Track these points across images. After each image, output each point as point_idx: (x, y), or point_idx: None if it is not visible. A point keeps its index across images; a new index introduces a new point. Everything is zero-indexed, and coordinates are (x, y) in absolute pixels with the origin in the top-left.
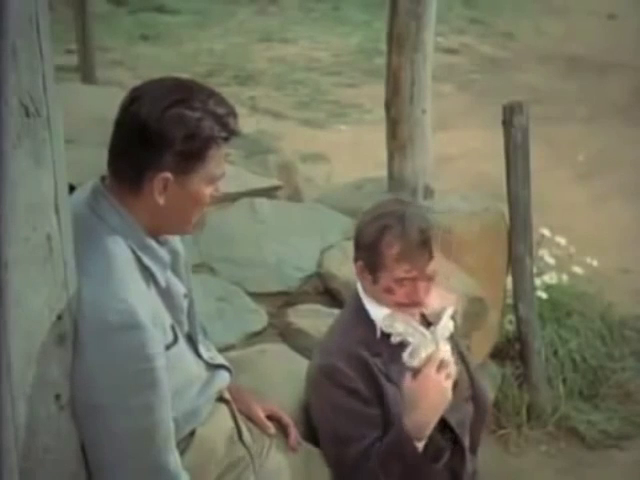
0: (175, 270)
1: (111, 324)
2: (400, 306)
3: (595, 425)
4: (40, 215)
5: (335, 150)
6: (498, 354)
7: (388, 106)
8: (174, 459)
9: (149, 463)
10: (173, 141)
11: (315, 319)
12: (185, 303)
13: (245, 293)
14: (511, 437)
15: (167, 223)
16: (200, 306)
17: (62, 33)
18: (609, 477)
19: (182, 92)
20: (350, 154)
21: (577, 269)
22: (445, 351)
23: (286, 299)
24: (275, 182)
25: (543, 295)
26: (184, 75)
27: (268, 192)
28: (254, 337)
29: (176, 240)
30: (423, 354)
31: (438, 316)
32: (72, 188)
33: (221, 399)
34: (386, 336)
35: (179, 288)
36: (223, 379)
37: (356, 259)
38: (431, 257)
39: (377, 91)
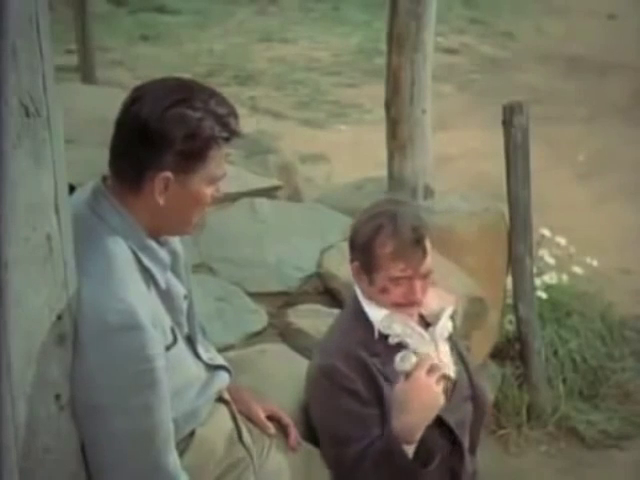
0: (175, 271)
1: (111, 324)
2: (397, 306)
3: (595, 425)
4: (40, 215)
5: (335, 150)
6: (498, 354)
7: (388, 106)
8: (173, 460)
9: (148, 463)
10: (174, 141)
11: (315, 319)
12: (185, 304)
13: (245, 293)
14: (511, 437)
15: (167, 223)
16: (200, 306)
17: (62, 33)
18: (609, 477)
19: (183, 92)
20: (350, 154)
21: (577, 269)
22: (444, 352)
23: (286, 299)
24: (275, 182)
25: (543, 295)
26: (184, 75)
27: (268, 192)
28: (254, 337)
29: (176, 241)
30: (414, 358)
31: (437, 317)
32: (72, 188)
33: (221, 400)
34: (384, 337)
35: (179, 289)
36: (222, 380)
37: (352, 260)
38: (425, 255)
39: (377, 91)
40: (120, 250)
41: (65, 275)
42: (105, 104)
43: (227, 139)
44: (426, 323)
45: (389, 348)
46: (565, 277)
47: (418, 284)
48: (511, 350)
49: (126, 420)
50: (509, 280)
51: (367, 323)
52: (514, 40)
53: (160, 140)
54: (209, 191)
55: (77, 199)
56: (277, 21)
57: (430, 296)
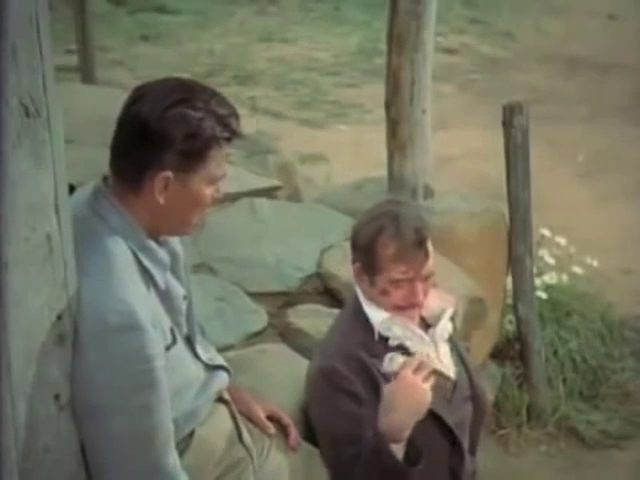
0: (174, 272)
1: (111, 325)
2: (398, 309)
3: (595, 425)
4: (40, 215)
5: (335, 150)
6: (498, 354)
7: (388, 106)
8: (173, 460)
9: (148, 464)
10: (174, 140)
11: (315, 319)
12: (184, 305)
13: (245, 293)
14: (511, 437)
15: (167, 223)
16: (200, 306)
17: (62, 33)
18: (609, 477)
19: (184, 92)
20: (350, 154)
21: (577, 269)
22: (444, 353)
23: (286, 299)
24: (275, 182)
25: (543, 295)
26: (184, 75)
27: (268, 192)
28: (254, 337)
29: (175, 241)
30: (400, 359)
31: (437, 318)
32: (72, 188)
33: (220, 400)
34: (384, 338)
35: (178, 290)
36: (222, 380)
37: (353, 261)
38: (427, 257)
39: (377, 91)
40: (120, 250)
41: (65, 275)
42: (105, 104)
43: (228, 139)
44: (426, 324)
45: (389, 350)
46: (565, 277)
47: (419, 286)
48: (511, 350)
49: (126, 420)
50: (509, 280)
51: (367, 324)
52: (514, 40)
53: (160, 139)
54: (209, 191)
55: (77, 199)
56: (277, 21)
57: (430, 297)
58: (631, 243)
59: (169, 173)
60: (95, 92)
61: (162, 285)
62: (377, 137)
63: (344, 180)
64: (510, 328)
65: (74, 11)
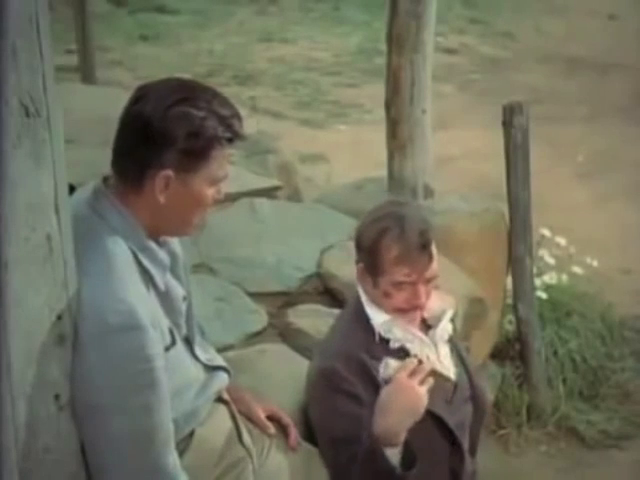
0: (174, 272)
1: (111, 325)
2: (400, 311)
3: (595, 425)
4: (40, 215)
5: (335, 150)
6: (498, 354)
7: (388, 106)
8: (173, 460)
9: (148, 464)
10: (176, 139)
11: (315, 319)
12: (184, 306)
13: (245, 293)
14: (511, 437)
15: (167, 223)
16: (200, 306)
17: (62, 33)
18: (609, 477)
19: (186, 91)
20: (350, 154)
21: (577, 269)
22: (444, 354)
23: (286, 299)
24: (275, 182)
25: (543, 295)
26: (184, 75)
27: (268, 192)
28: (254, 337)
29: (175, 242)
30: (395, 363)
31: (437, 319)
32: (72, 188)
33: (220, 400)
34: (385, 340)
35: (178, 291)
36: (221, 380)
37: (357, 261)
38: (431, 260)
39: (377, 91)
40: (120, 250)
41: (65, 275)
42: (105, 104)
43: (230, 140)
44: (426, 325)
45: (390, 352)
46: (565, 277)
47: (422, 289)
48: (511, 350)
49: (126, 420)
50: (509, 280)
51: (368, 325)
52: (514, 40)
53: (162, 138)
54: (210, 192)
55: (78, 199)
56: (277, 21)
57: (431, 298)
58: (631, 243)
59: (170, 172)
60: (95, 92)
61: (161, 286)
62: (377, 137)
63: (344, 180)
64: (510, 328)
65: (74, 11)
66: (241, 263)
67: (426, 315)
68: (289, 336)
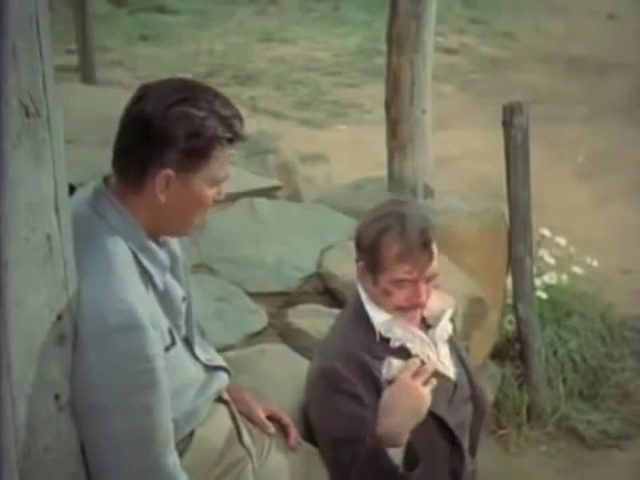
0: (174, 273)
1: (111, 324)
2: (400, 309)
3: (595, 425)
4: (40, 215)
5: (335, 150)
6: (498, 354)
7: (388, 106)
8: (173, 460)
9: (148, 464)
10: (177, 139)
11: (315, 319)
12: (183, 307)
13: (245, 293)
14: (511, 437)
15: (167, 223)
16: (200, 306)
17: (62, 33)
18: (609, 477)
19: (188, 91)
20: (350, 154)
21: (577, 269)
22: (444, 354)
23: (286, 299)
24: (275, 182)
25: (543, 295)
26: (184, 75)
27: (268, 192)
28: (254, 337)
29: (175, 242)
30: (397, 363)
31: (437, 318)
32: (72, 188)
33: (220, 400)
34: (386, 339)
35: (177, 291)
36: (221, 380)
37: (357, 259)
38: (432, 258)
39: (377, 91)
40: (120, 250)
41: (65, 275)
42: (105, 104)
43: (230, 140)
44: (426, 325)
45: (390, 351)
46: (565, 277)
47: (422, 287)
48: (511, 350)
49: (126, 420)
50: (509, 280)
51: (368, 324)
52: (514, 40)
53: (163, 138)
54: (211, 192)
55: (78, 199)
56: (277, 21)
57: (431, 298)
58: (631, 243)
59: (170, 171)
60: (95, 92)
61: (161, 286)
62: (377, 137)
63: (344, 180)
64: (510, 328)
65: (74, 11)
66: (241, 263)
67: (426, 314)
68: (289, 336)
